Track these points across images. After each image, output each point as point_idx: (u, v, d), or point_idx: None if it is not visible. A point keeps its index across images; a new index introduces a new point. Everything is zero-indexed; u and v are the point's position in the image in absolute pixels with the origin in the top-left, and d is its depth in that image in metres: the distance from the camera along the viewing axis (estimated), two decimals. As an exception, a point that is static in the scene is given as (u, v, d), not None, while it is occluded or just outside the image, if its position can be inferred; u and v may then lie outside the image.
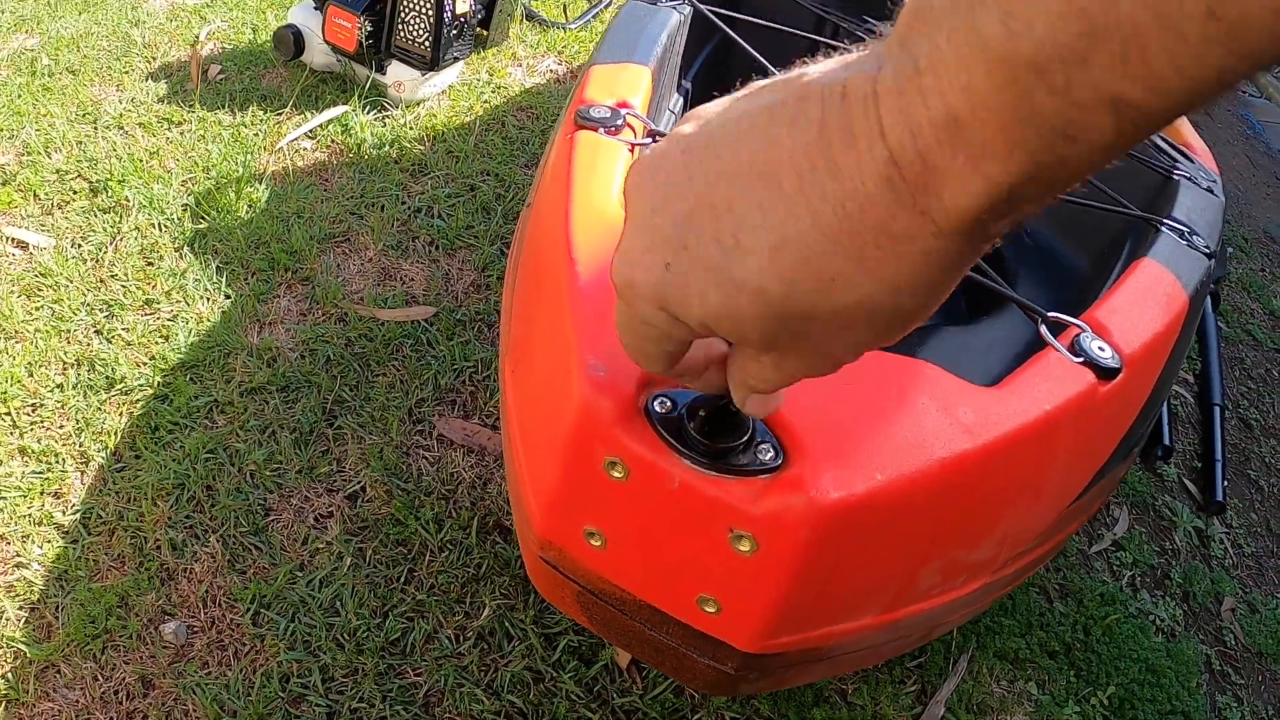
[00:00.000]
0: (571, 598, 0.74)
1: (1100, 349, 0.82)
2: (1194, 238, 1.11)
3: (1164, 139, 1.53)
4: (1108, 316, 0.87)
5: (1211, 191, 1.29)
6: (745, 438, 0.61)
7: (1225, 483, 1.98)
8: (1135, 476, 1.84)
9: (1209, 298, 2.09)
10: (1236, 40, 0.26)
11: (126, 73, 2.23)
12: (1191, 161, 1.37)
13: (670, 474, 0.61)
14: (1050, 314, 0.83)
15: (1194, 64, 0.27)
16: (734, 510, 0.60)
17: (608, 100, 0.94)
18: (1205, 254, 1.10)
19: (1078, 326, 0.84)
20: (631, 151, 0.87)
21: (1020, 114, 0.30)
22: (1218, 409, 2.11)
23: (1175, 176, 1.29)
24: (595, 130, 0.88)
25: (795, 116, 0.36)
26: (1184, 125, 1.75)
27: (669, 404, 0.62)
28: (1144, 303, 0.93)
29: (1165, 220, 1.13)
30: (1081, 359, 0.80)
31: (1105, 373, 0.80)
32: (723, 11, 1.23)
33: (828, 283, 0.36)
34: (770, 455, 0.61)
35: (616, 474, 0.63)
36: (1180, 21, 0.26)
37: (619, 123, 0.89)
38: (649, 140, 0.90)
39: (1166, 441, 1.92)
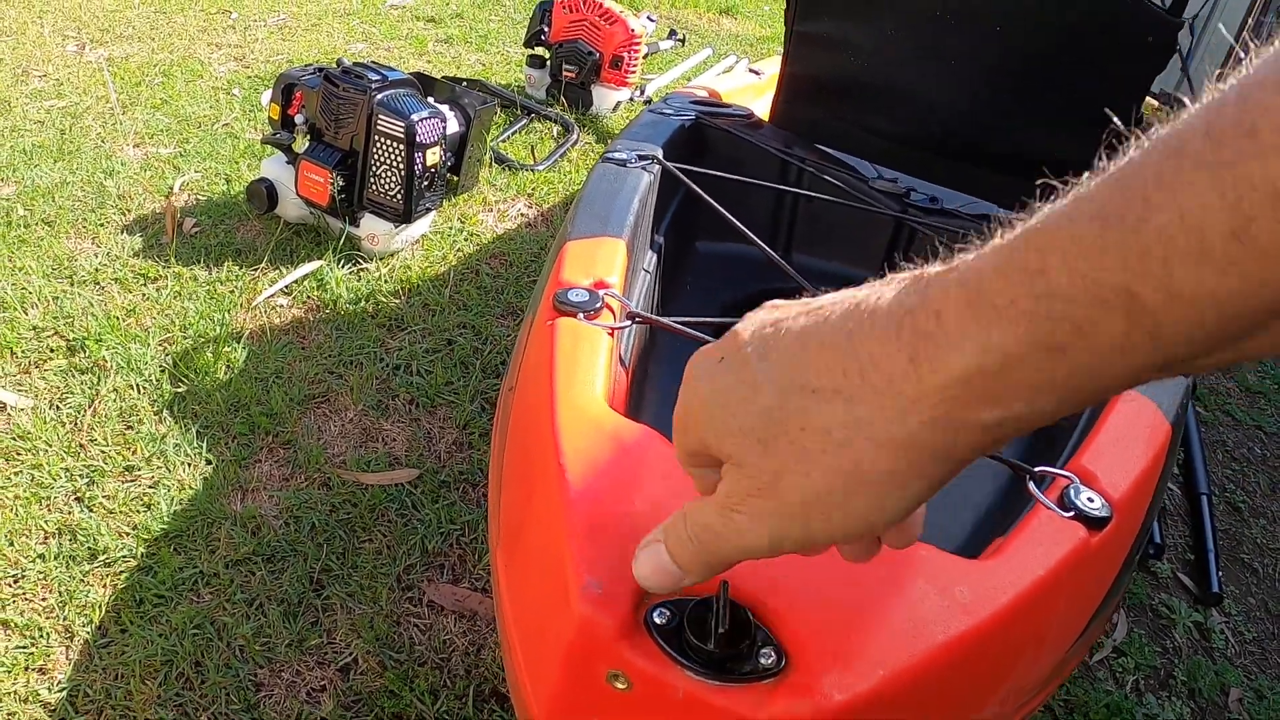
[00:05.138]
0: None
1: (1089, 500, 0.82)
2: None
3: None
4: (1093, 462, 0.88)
5: None
6: (746, 643, 0.61)
7: (1220, 572, 1.97)
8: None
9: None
10: (1257, 265, 0.28)
11: (102, 225, 2.24)
12: None
13: (674, 685, 0.60)
14: (1037, 468, 0.84)
15: (1215, 279, 0.28)
16: (740, 719, 0.60)
17: (584, 280, 0.95)
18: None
19: (1065, 478, 0.84)
20: (611, 335, 0.88)
21: (1037, 288, 0.32)
22: (1204, 498, 2.12)
23: None
24: (574, 315, 0.89)
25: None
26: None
27: (668, 614, 0.62)
28: (1128, 441, 0.93)
29: None
30: (1071, 513, 0.81)
31: (1096, 523, 0.81)
32: (690, 168, 1.26)
33: (810, 394, 0.38)
34: (772, 659, 0.60)
35: (620, 685, 0.62)
36: (1207, 234, 0.28)
37: (597, 305, 0.90)
38: (628, 323, 0.91)
39: (1157, 539, 1.92)
